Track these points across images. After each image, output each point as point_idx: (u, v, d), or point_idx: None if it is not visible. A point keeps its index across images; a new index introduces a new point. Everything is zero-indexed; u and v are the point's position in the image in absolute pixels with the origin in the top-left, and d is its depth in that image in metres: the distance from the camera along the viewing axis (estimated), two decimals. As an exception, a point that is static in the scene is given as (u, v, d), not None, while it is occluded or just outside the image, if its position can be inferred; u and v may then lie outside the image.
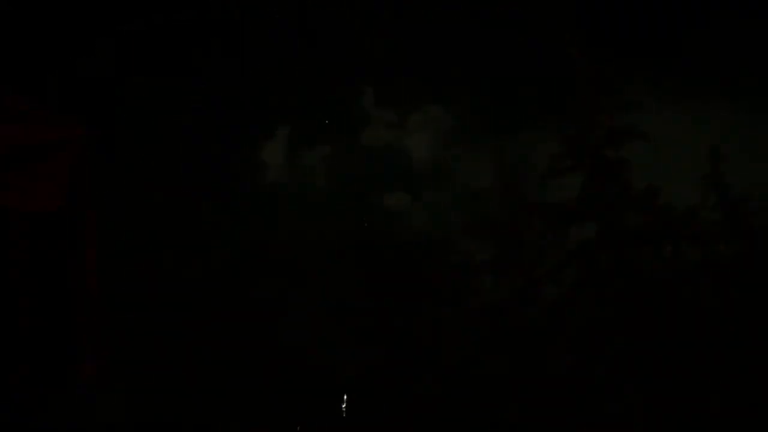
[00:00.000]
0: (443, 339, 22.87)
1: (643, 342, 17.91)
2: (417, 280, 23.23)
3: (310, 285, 26.80)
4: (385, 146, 42.50)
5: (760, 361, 17.41)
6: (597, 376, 18.54)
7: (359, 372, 23.36)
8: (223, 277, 28.27)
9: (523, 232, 21.33)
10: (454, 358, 21.01)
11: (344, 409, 23.16)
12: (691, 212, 19.31)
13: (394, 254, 23.57)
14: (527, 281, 20.32)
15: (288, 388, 23.38)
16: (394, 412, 21.52)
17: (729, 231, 20.24)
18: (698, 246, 19.34)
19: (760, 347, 17.81)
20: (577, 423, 17.80)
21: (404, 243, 25.68)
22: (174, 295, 25.24)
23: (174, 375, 22.17)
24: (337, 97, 40.33)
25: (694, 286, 19.07)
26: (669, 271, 18.97)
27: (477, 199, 23.12)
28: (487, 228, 21.68)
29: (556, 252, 20.39)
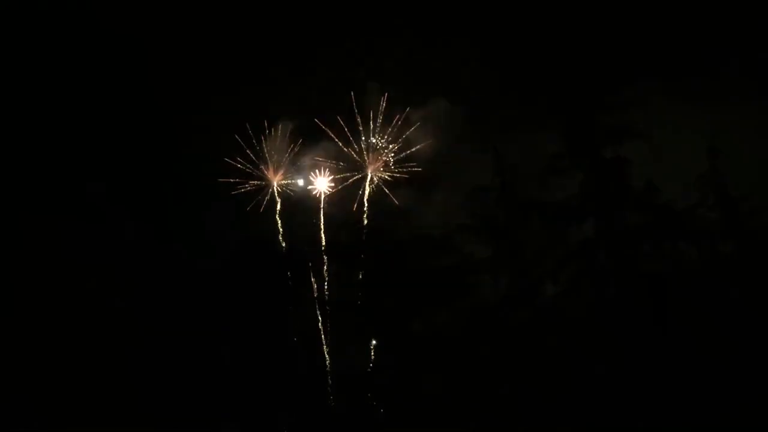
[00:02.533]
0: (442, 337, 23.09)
1: (642, 340, 17.96)
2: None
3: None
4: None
5: (759, 358, 17.45)
6: (596, 376, 18.61)
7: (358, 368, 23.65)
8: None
9: (523, 230, 21.38)
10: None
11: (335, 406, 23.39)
12: (689, 210, 19.34)
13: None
14: (527, 280, 20.44)
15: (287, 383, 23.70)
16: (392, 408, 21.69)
17: (727, 229, 20.33)
18: (697, 244, 19.35)
19: (759, 345, 17.87)
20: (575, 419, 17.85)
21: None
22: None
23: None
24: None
25: (693, 284, 19.11)
26: (668, 270, 19.00)
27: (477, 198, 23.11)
28: (486, 226, 21.71)
29: (556, 250, 20.48)
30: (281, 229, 38.07)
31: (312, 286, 28.71)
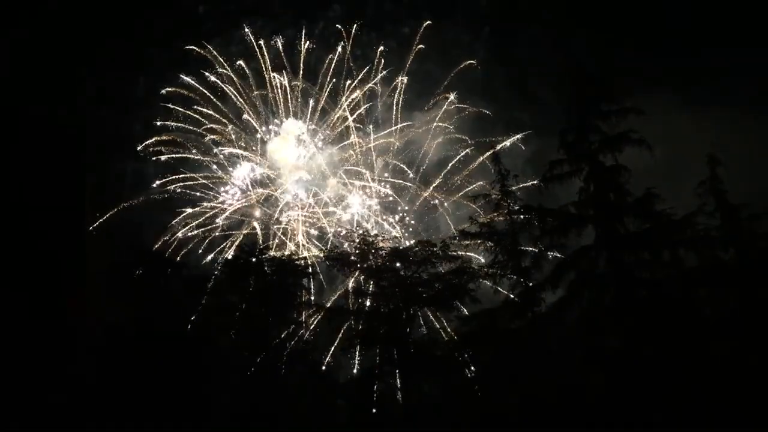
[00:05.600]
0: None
1: (640, 345, 17.94)
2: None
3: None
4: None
5: (757, 363, 17.42)
6: (594, 381, 18.61)
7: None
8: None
9: (523, 237, 21.43)
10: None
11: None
12: (689, 218, 19.32)
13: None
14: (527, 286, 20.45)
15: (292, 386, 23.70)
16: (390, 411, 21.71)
17: (727, 236, 20.33)
18: (696, 251, 19.33)
19: (758, 350, 17.84)
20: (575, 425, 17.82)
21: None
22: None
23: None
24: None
25: (692, 291, 19.10)
26: (667, 277, 18.97)
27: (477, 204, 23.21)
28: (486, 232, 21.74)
29: (556, 257, 20.54)
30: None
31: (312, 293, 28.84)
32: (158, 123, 40.12)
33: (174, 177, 40.43)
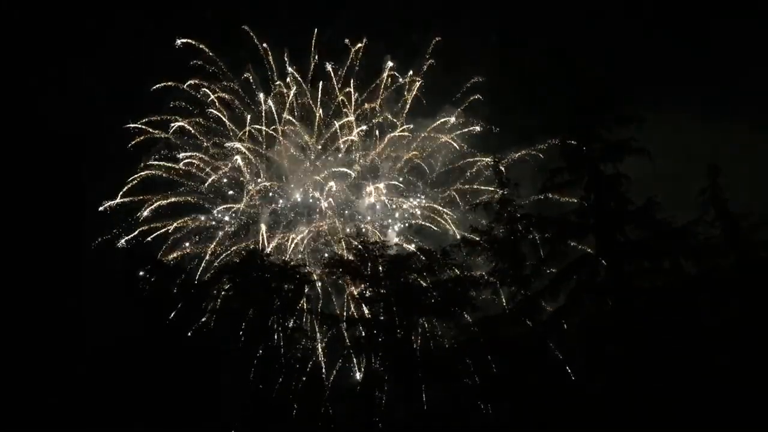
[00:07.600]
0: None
1: (640, 354, 17.94)
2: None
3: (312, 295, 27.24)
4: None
5: (757, 370, 17.40)
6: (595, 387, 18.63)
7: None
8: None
9: (523, 245, 21.49)
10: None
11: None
12: (689, 227, 19.34)
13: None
14: (527, 294, 20.48)
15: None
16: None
17: (727, 245, 20.35)
18: (697, 260, 19.33)
19: (759, 359, 17.82)
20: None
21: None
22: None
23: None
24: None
25: (693, 298, 19.09)
26: (668, 285, 18.97)
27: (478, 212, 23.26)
28: (487, 241, 21.79)
29: (556, 265, 20.56)
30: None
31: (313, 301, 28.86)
32: (162, 134, 40.18)
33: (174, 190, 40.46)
